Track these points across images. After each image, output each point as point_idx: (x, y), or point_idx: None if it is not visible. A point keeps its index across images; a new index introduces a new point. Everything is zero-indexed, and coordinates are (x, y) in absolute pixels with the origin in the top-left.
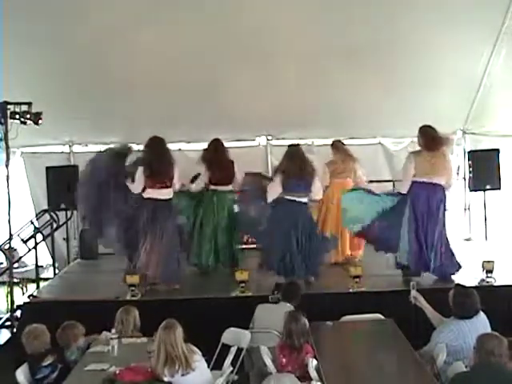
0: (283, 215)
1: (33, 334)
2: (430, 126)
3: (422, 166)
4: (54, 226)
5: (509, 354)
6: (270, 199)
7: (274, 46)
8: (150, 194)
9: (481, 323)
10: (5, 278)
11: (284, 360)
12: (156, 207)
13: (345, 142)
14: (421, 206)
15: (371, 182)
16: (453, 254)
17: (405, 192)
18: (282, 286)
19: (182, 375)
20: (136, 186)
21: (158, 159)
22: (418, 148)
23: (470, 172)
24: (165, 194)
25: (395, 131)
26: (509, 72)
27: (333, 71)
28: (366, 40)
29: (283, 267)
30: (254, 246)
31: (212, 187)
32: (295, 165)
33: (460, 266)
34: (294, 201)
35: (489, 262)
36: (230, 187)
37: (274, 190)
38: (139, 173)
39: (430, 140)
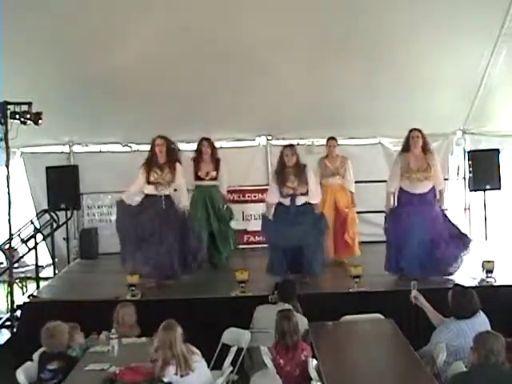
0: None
1: (50, 332)
2: None
3: None
4: (54, 225)
5: (507, 355)
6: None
7: (274, 46)
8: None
9: (481, 323)
10: (5, 277)
11: (282, 361)
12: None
13: (345, 141)
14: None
15: (371, 182)
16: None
17: None
18: (277, 285)
19: (182, 376)
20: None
21: None
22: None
23: (470, 172)
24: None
25: (395, 131)
26: (509, 72)
27: (333, 71)
28: (366, 40)
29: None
30: (255, 245)
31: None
32: None
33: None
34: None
35: (489, 261)
36: None
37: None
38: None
39: None
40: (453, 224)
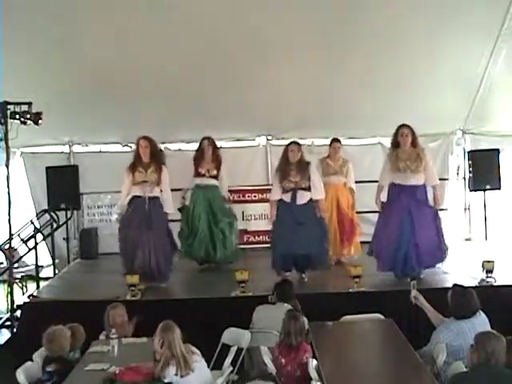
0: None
1: (50, 337)
2: None
3: None
4: (54, 225)
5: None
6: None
7: (274, 46)
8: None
9: (480, 323)
10: (5, 277)
11: (283, 360)
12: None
13: (345, 141)
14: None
15: (371, 182)
16: None
17: None
18: (276, 286)
19: (182, 376)
20: None
21: None
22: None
23: (470, 172)
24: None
25: None
26: (509, 72)
27: (333, 71)
28: (366, 40)
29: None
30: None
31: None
32: None
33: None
34: None
35: (489, 261)
36: None
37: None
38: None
39: None
40: (438, 232)
